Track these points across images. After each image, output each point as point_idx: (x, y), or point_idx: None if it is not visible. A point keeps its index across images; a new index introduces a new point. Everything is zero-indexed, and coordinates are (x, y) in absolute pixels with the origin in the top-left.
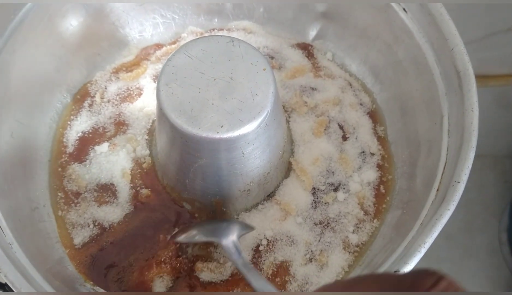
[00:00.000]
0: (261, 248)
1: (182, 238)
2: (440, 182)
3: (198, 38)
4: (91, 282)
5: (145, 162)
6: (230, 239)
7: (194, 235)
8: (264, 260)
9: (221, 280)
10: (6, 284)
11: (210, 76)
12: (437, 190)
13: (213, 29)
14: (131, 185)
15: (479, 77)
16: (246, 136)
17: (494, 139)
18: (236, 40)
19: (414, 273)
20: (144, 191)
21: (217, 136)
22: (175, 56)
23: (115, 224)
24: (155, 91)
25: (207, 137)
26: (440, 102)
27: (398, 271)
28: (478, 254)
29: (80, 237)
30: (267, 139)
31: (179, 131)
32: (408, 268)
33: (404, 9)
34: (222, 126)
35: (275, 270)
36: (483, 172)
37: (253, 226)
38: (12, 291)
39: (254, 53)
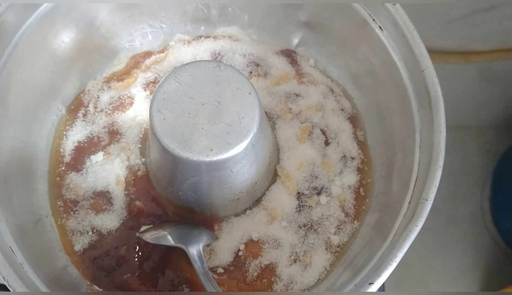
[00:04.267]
0: (240, 254)
1: (150, 237)
2: (411, 196)
3: (187, 64)
4: (95, 287)
5: (139, 170)
6: (196, 247)
7: (163, 236)
8: (249, 263)
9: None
10: None
11: (199, 101)
12: (409, 202)
13: (200, 36)
14: (126, 192)
15: (463, 54)
16: (235, 157)
17: (477, 111)
18: (222, 65)
19: None
20: (138, 203)
21: (207, 159)
22: (165, 82)
23: (113, 231)
24: (146, 100)
25: (198, 160)
26: (413, 117)
27: (373, 283)
28: (461, 222)
29: (80, 243)
30: (254, 155)
31: (171, 155)
32: (381, 280)
33: (380, 27)
34: (211, 150)
35: (260, 272)
36: (467, 143)
37: (217, 236)
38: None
39: (239, 78)
